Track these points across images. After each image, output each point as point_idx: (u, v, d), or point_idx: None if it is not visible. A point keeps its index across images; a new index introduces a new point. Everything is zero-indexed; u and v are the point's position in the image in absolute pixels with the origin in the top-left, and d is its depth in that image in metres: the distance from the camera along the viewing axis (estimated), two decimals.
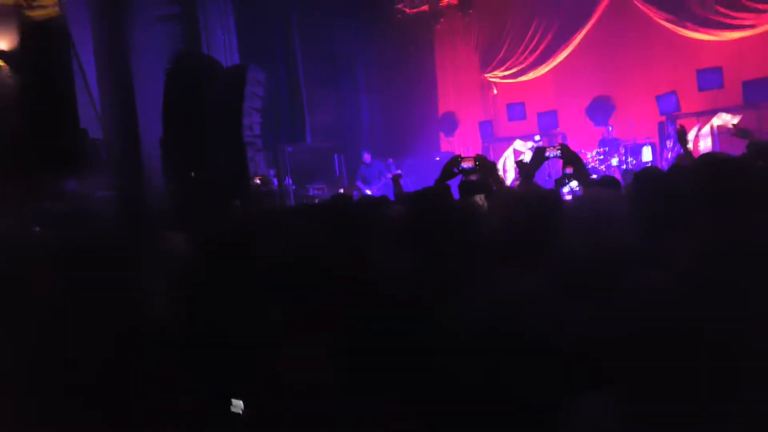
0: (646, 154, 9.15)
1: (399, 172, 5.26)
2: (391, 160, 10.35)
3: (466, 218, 2.10)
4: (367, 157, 10.29)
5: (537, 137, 9.44)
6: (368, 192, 9.62)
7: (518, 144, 10.70)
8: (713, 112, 8.91)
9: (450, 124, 12.05)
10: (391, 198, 4.18)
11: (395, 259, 1.78)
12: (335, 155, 11.34)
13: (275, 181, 9.02)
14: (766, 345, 0.99)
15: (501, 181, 3.00)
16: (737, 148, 8.53)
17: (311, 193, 10.25)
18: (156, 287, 1.40)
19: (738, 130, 3.41)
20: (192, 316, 1.44)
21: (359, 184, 10.16)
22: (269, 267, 1.56)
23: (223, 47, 8.42)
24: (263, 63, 7.94)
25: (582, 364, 1.06)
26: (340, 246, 2.01)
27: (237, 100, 7.16)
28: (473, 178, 3.55)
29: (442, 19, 12.19)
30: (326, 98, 10.84)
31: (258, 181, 7.23)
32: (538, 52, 11.01)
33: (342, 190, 9.76)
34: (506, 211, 2.20)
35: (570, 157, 2.80)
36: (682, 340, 1.12)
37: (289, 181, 9.50)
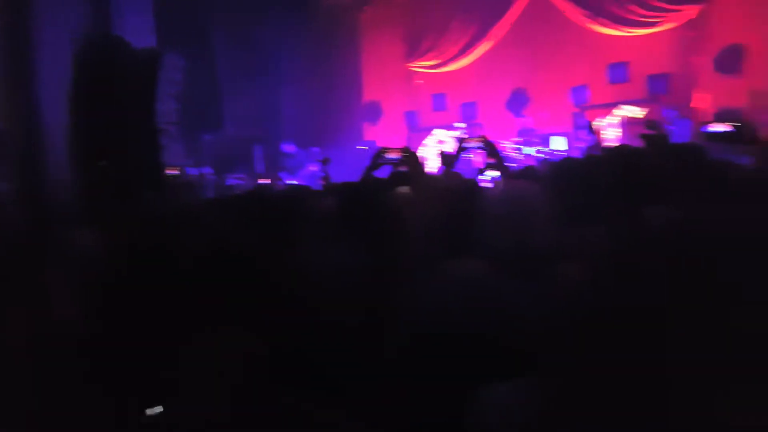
0: (561, 144, 9.55)
1: (327, 156, 5.18)
2: (317, 149, 10.24)
3: (394, 209, 2.10)
4: (288, 146, 10.13)
5: (460, 125, 9.56)
6: (289, 182, 9.47)
7: (440, 133, 10.86)
8: (622, 104, 9.45)
9: (374, 113, 12.06)
10: (315, 189, 4.12)
11: (324, 252, 1.75)
12: (255, 144, 11.04)
13: (193, 171, 8.70)
14: (678, 331, 1.04)
15: (424, 173, 3.03)
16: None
17: (229, 183, 9.96)
18: (59, 289, 1.30)
19: (648, 122, 3.63)
20: (100, 319, 1.35)
21: (282, 174, 9.97)
22: (186, 264, 1.48)
23: (139, 29, 7.96)
24: (181, 47, 7.58)
25: (509, 352, 1.08)
26: (264, 239, 1.95)
27: (152, 85, 6.82)
28: (403, 169, 3.57)
29: (367, 7, 12.13)
30: (247, 86, 10.52)
31: (174, 172, 6.94)
32: (460, 44, 11.24)
33: (262, 181, 9.54)
34: (430, 201, 2.23)
35: (490, 149, 2.86)
36: (600, 328, 1.16)
37: (207, 170, 9.19)
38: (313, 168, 9.48)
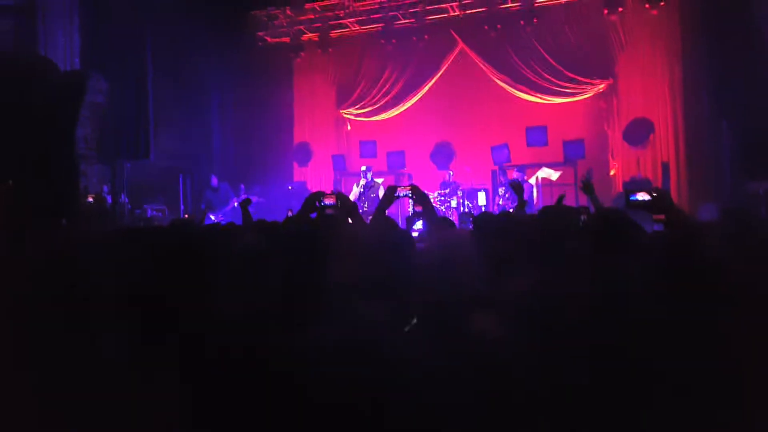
0: (481, 198, 9.95)
1: (249, 197, 5.10)
2: (242, 185, 10.09)
3: (321, 251, 2.11)
4: (214, 180, 9.90)
5: (363, 167, 9.64)
6: (212, 218, 9.24)
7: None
8: (538, 166, 10.02)
9: (304, 154, 12.11)
10: (238, 224, 4.05)
11: (240, 294, 1.73)
12: (180, 175, 10.73)
13: (109, 198, 8.31)
14: (588, 382, 1.12)
15: (359, 218, 3.07)
16: (556, 198, 9.68)
17: (149, 215, 9.58)
18: None
19: (583, 183, 3.85)
20: None
21: (204, 208, 9.71)
22: (88, 301, 1.40)
23: (63, 49, 7.67)
24: (109, 73, 7.36)
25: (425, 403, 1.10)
26: (175, 278, 1.88)
27: (73, 107, 6.55)
28: (329, 211, 3.59)
29: (302, 53, 12.36)
30: (176, 117, 10.30)
31: (90, 199, 6.60)
32: (390, 95, 11.67)
33: (187, 215, 9.24)
34: (358, 245, 2.26)
35: (419, 197, 2.96)
36: (511, 379, 1.22)
37: (124, 199, 8.81)
38: (236, 204, 9.33)
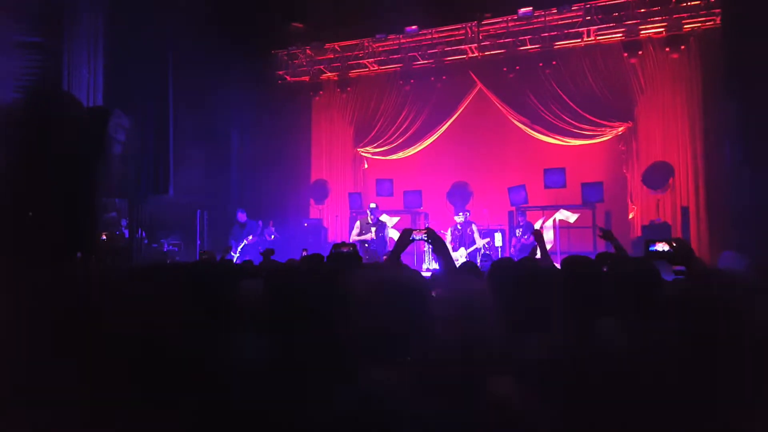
0: (498, 240, 9.83)
1: (268, 236, 5.07)
2: (260, 221, 10.13)
3: (327, 297, 2.03)
4: (241, 216, 9.96)
5: (372, 205, 9.45)
6: (233, 254, 9.25)
7: (384, 218, 11.03)
8: (556, 208, 9.92)
9: (321, 191, 12.15)
10: (254, 265, 4.00)
11: (247, 346, 1.66)
12: (197, 211, 10.81)
13: (126, 232, 8.35)
14: None
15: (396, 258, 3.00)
16: (575, 241, 9.54)
17: (166, 249, 9.61)
18: None
19: (603, 232, 3.76)
20: None
21: (232, 242, 9.81)
22: (96, 342, 1.35)
23: (87, 87, 7.85)
24: (131, 109, 7.49)
25: None
26: (188, 323, 1.82)
27: (95, 143, 6.64)
28: (345, 250, 3.54)
29: (321, 91, 12.55)
30: (196, 153, 10.42)
31: (104, 237, 6.63)
32: (408, 135, 11.73)
33: (204, 251, 9.21)
34: (371, 291, 2.18)
35: (435, 241, 2.89)
36: None
37: (141, 234, 8.85)
38: (253, 239, 9.35)
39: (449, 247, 7.40)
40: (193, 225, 10.71)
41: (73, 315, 1.50)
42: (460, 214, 9.62)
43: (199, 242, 10.56)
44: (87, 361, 1.34)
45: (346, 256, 3.23)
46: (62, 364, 1.33)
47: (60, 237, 5.84)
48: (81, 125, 6.62)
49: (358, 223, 8.64)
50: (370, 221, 8.69)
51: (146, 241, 9.18)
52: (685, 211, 9.35)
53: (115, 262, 6.55)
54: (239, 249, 9.38)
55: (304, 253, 4.70)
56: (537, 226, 9.42)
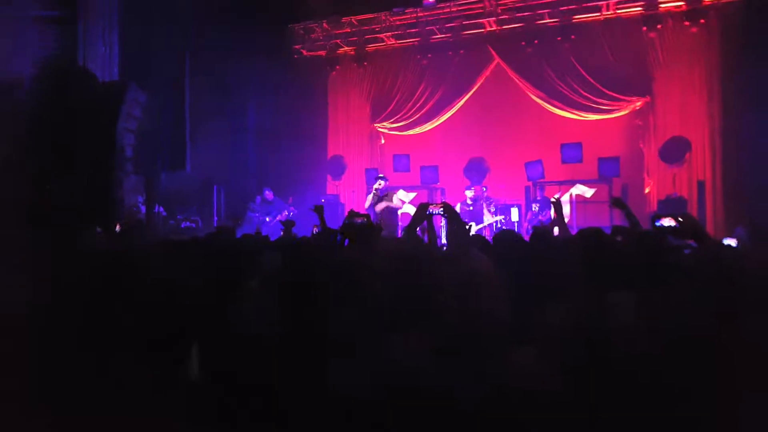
0: (514, 215, 9.80)
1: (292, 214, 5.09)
2: (290, 198, 10.37)
3: (344, 271, 2.06)
4: (268, 194, 10.26)
5: (380, 175, 9.17)
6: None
7: (401, 194, 11.03)
8: (573, 183, 9.84)
9: (338, 167, 12.16)
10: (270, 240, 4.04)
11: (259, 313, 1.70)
12: (214, 186, 10.90)
13: (143, 209, 8.45)
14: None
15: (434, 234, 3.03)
16: (591, 215, 9.49)
17: (183, 226, 9.72)
18: None
19: (614, 200, 3.74)
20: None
21: (250, 215, 10.03)
22: (120, 313, 1.39)
23: (103, 62, 7.87)
24: (148, 84, 7.51)
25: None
26: (208, 290, 1.87)
27: (111, 118, 6.69)
28: (358, 220, 3.56)
29: (338, 66, 12.46)
30: (212, 129, 10.45)
31: (126, 208, 6.73)
32: (424, 110, 11.64)
33: (219, 225, 9.33)
34: (387, 264, 2.21)
35: (451, 215, 2.90)
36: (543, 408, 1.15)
37: (159, 209, 8.95)
38: (271, 221, 9.49)
39: None
40: (211, 200, 10.82)
41: (92, 291, 1.55)
42: (471, 188, 9.57)
43: (216, 218, 10.67)
44: (112, 332, 1.38)
45: (359, 227, 3.23)
46: (87, 337, 1.38)
47: (79, 210, 5.93)
48: (97, 100, 6.67)
49: (369, 198, 8.58)
50: (379, 190, 8.37)
51: (164, 215, 9.30)
52: (701, 185, 9.23)
53: (133, 237, 6.64)
54: (257, 226, 9.50)
55: (315, 230, 4.72)
56: (552, 200, 9.36)
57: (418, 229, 2.96)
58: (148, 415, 1.20)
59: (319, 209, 4.24)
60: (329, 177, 12.35)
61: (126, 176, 6.69)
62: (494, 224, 9.29)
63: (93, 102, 6.60)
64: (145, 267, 1.79)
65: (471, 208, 9.35)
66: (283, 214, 9.51)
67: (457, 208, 9.22)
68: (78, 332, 1.40)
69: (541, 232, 3.08)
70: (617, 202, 3.71)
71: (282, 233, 4.31)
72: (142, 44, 8.66)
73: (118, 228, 5.74)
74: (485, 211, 9.18)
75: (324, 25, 12.03)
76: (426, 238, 3.29)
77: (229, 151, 11.51)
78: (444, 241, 9.30)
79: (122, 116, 6.64)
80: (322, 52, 12.37)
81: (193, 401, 1.27)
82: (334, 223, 10.46)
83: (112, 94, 6.80)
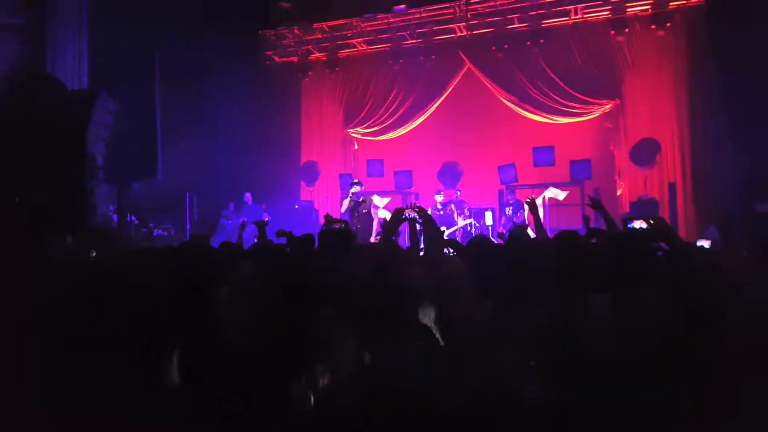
0: (488, 218, 9.89)
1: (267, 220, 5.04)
2: (263, 205, 10.33)
3: (320, 275, 2.06)
4: (248, 197, 10.42)
5: (355, 180, 9.11)
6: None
7: (375, 199, 11.03)
8: (545, 186, 9.98)
9: (311, 173, 12.12)
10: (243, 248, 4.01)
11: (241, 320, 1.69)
12: (187, 194, 10.74)
13: (114, 217, 8.30)
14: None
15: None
16: (564, 218, 9.62)
17: (155, 234, 9.57)
18: None
19: (592, 201, 3.81)
20: None
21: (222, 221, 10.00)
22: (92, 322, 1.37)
23: (72, 68, 7.72)
24: (118, 92, 7.38)
25: None
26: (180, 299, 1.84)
27: (81, 126, 6.56)
28: (336, 226, 3.56)
29: (310, 72, 12.44)
30: (184, 136, 10.30)
31: (98, 217, 6.59)
32: (397, 115, 11.70)
33: (192, 233, 9.22)
34: (365, 270, 2.22)
35: (425, 220, 2.93)
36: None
37: (131, 217, 8.79)
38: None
39: None
40: (183, 208, 10.65)
41: (65, 300, 1.53)
42: (441, 193, 9.64)
43: (189, 225, 10.53)
44: (82, 339, 1.36)
45: (338, 234, 3.24)
46: (58, 346, 1.35)
47: (50, 218, 5.80)
48: (66, 108, 6.54)
49: (346, 202, 8.56)
50: (355, 195, 8.41)
51: (136, 224, 9.13)
52: (672, 187, 9.45)
53: (104, 246, 6.51)
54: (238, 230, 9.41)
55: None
56: (527, 202, 9.46)
57: (395, 232, 2.98)
58: (120, 420, 1.19)
59: (261, 224, 4.25)
60: (303, 183, 12.30)
61: (97, 184, 6.56)
62: (466, 227, 9.36)
63: (62, 110, 6.46)
64: (115, 275, 1.77)
65: (441, 212, 9.42)
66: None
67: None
68: (49, 338, 1.38)
69: (517, 233, 3.12)
70: (595, 204, 3.78)
71: (256, 237, 4.25)
72: (111, 51, 8.50)
73: (87, 236, 5.63)
74: (455, 215, 9.27)
75: (295, 31, 12.01)
76: (408, 242, 3.31)
77: (201, 158, 11.34)
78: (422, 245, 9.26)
79: (92, 124, 6.52)
80: (294, 58, 12.34)
81: (166, 408, 1.25)
82: (309, 229, 10.43)
83: (82, 101, 6.67)
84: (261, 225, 4.21)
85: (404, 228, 3.40)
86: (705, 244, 4.44)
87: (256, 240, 4.29)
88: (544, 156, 9.80)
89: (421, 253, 3.37)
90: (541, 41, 10.51)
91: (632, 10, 9.98)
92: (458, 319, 1.58)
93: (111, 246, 6.44)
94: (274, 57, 12.37)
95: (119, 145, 7.36)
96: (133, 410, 1.17)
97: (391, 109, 11.73)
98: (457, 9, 10.87)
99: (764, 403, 1.22)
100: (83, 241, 5.90)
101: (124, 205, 8.38)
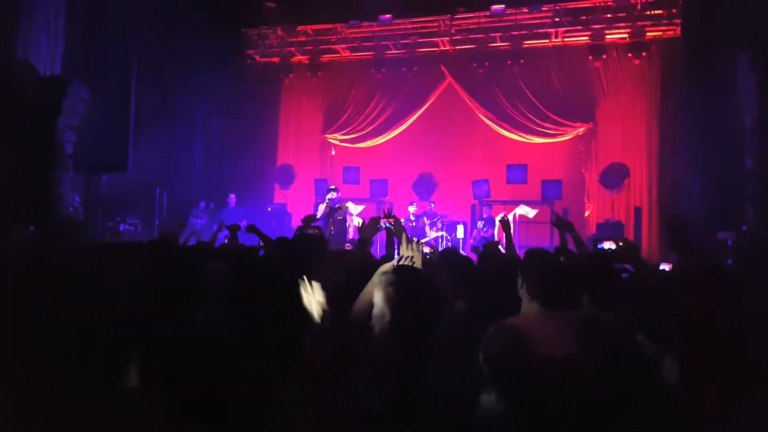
0: (460, 232, 9.97)
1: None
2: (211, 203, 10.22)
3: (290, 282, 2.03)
4: (232, 199, 10.39)
5: (332, 187, 9.21)
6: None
7: (350, 206, 11.00)
8: (517, 203, 10.11)
9: (286, 176, 12.04)
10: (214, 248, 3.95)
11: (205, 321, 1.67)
12: (157, 190, 10.52)
13: (81, 210, 8.07)
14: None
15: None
16: (533, 236, 9.75)
17: (122, 229, 9.34)
18: None
19: (557, 219, 3.87)
20: None
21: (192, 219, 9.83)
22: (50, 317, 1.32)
23: (45, 54, 7.51)
24: (92, 81, 7.21)
25: None
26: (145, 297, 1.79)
27: (52, 113, 6.40)
28: (310, 231, 3.54)
29: (291, 74, 12.38)
30: (158, 130, 10.11)
31: (63, 208, 6.42)
32: (376, 124, 11.73)
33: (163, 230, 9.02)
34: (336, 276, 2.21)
35: (399, 231, 2.92)
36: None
37: (99, 211, 8.58)
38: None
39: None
40: (152, 204, 10.45)
41: (23, 291, 1.47)
42: (414, 204, 9.69)
43: (157, 222, 10.33)
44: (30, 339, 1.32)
45: (312, 239, 3.22)
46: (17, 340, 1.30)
47: (12, 206, 5.62)
48: (36, 93, 6.37)
49: (321, 207, 8.53)
50: (330, 201, 8.43)
51: (100, 219, 8.91)
52: (638, 211, 9.69)
53: (67, 238, 6.34)
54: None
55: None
56: (499, 218, 9.57)
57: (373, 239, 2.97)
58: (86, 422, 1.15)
59: (233, 228, 4.22)
60: (277, 186, 12.21)
61: (65, 173, 6.40)
62: (439, 239, 9.41)
63: (31, 95, 6.29)
64: (77, 270, 1.71)
65: (414, 224, 9.46)
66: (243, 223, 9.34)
67: None
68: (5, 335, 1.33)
69: (489, 248, 3.15)
70: (559, 222, 3.83)
71: (227, 239, 4.20)
72: (88, 40, 8.30)
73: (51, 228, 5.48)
74: (427, 228, 9.33)
75: (279, 31, 11.95)
76: (384, 251, 3.31)
77: (174, 154, 11.14)
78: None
79: (63, 111, 6.36)
80: (276, 59, 12.27)
81: (132, 411, 1.22)
82: (281, 232, 10.35)
83: (54, 88, 6.51)
84: (233, 229, 4.16)
85: (379, 236, 3.41)
86: (667, 267, 4.54)
87: (226, 242, 4.24)
88: (517, 174, 9.95)
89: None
90: (522, 61, 10.69)
91: (611, 37, 10.24)
92: (430, 328, 1.58)
93: (75, 240, 6.28)
94: (255, 56, 12.28)
95: (90, 134, 7.18)
96: (87, 413, 1.13)
97: (370, 118, 11.76)
98: (441, 23, 10.98)
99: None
100: (46, 233, 5.74)
101: (92, 197, 8.18)
